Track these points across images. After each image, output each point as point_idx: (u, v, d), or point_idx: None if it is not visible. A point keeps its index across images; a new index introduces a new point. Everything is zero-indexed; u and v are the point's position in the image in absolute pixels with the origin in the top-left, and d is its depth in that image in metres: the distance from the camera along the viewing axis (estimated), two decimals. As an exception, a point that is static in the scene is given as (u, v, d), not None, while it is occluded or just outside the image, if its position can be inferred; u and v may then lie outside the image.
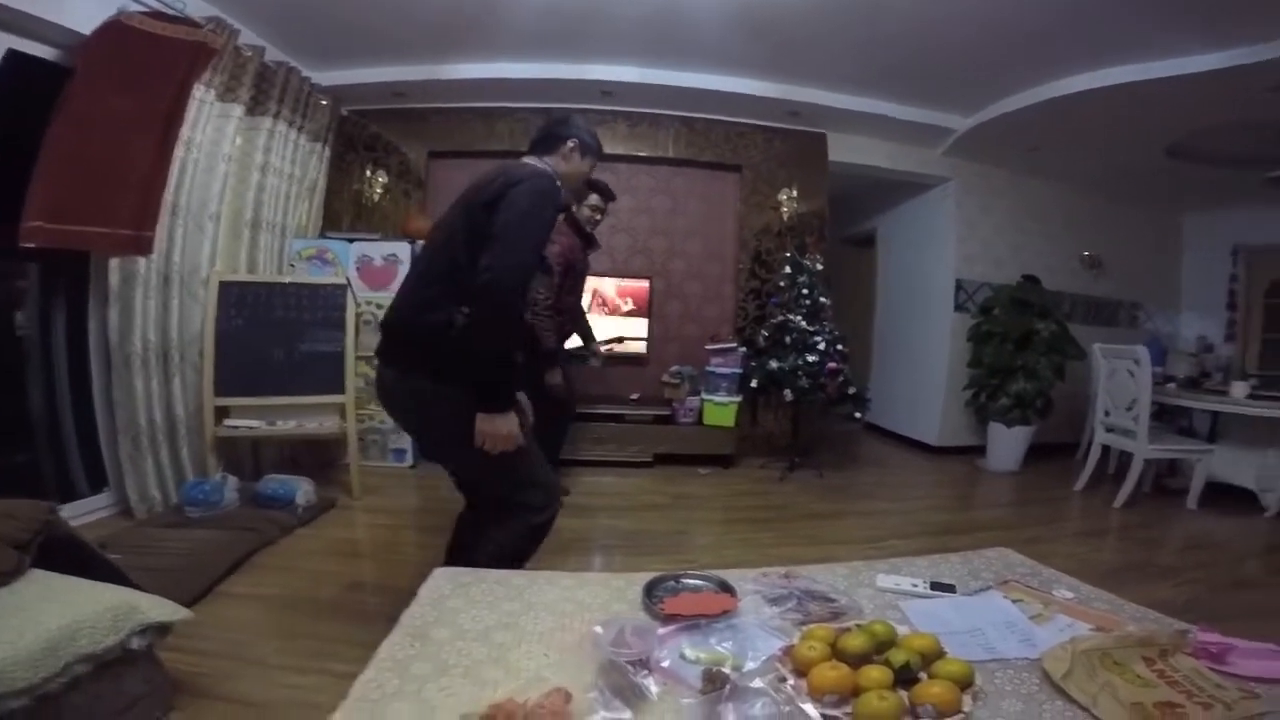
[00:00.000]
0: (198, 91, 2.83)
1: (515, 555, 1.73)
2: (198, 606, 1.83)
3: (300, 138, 3.60)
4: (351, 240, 3.64)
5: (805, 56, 3.50)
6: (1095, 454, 3.88)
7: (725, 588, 1.28)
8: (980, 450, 4.63)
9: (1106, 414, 3.80)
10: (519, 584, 1.30)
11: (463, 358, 1.49)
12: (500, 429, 1.51)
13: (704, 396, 4.03)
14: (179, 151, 2.78)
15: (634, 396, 4.21)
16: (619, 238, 4.42)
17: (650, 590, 1.27)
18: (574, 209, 2.96)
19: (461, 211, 1.57)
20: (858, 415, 4.07)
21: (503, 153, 4.19)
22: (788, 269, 4.04)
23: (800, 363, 3.78)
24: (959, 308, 4.79)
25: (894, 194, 5.28)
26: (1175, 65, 3.04)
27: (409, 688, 0.93)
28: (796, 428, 4.17)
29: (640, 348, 4.24)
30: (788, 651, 1.02)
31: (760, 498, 3.54)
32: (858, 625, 1.09)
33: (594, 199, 2.98)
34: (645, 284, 4.24)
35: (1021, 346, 4.32)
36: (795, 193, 4.38)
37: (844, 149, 4.48)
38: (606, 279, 4.20)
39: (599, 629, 0.97)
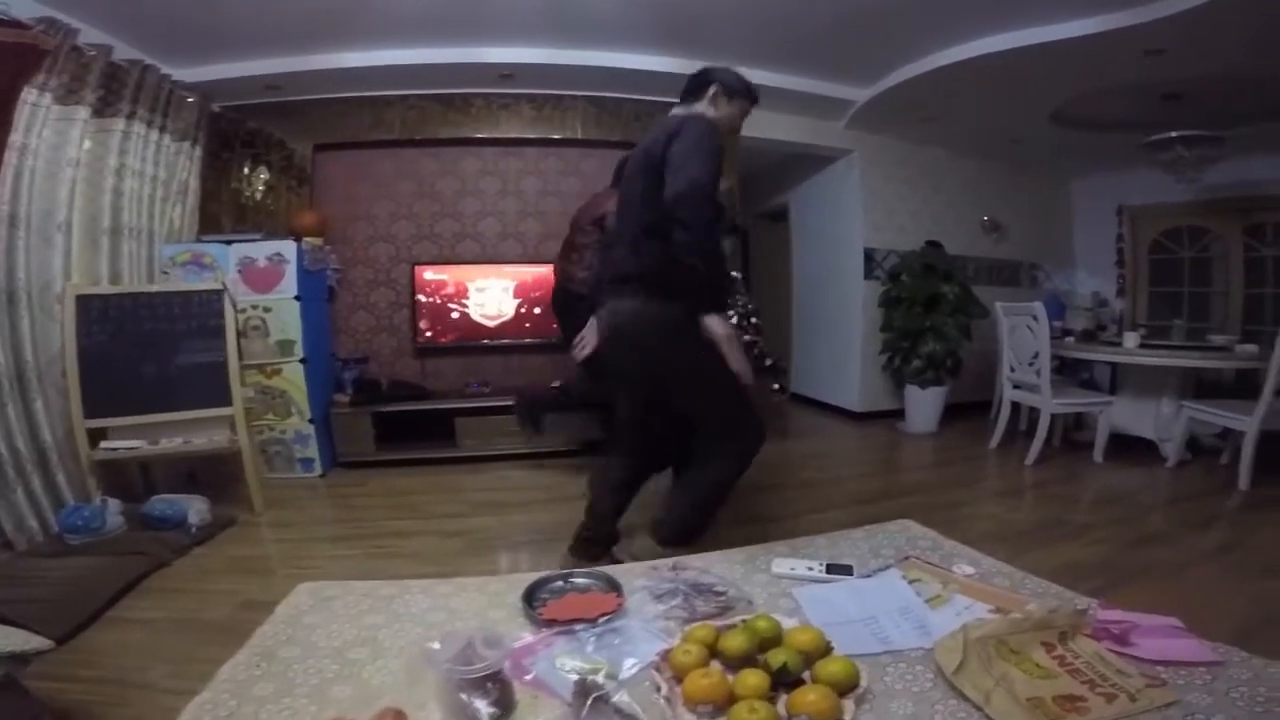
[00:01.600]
0: (29, 95, 2.54)
1: (723, 483, 1.89)
2: (85, 633, 1.82)
3: (164, 138, 3.30)
4: (230, 242, 3.35)
5: (709, 30, 3.42)
6: (1005, 411, 4.05)
7: (613, 586, 1.22)
8: (900, 414, 4.77)
9: (1012, 369, 3.96)
10: (387, 594, 1.23)
11: (694, 288, 1.68)
12: (729, 328, 1.72)
13: (625, 382, 3.95)
14: (10, 159, 2.50)
15: (556, 384, 4.10)
16: (528, 223, 4.27)
17: (533, 594, 1.21)
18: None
19: (642, 176, 1.74)
20: (776, 387, 4.09)
21: (395, 142, 4.00)
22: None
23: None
24: (869, 276, 4.89)
25: (802, 168, 5.31)
26: (1054, 30, 3.11)
27: (245, 709, 0.87)
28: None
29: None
30: (665, 656, 0.96)
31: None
32: (743, 621, 1.05)
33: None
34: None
35: (929, 309, 4.46)
36: (707, 169, 4.34)
37: (751, 124, 4.35)
38: (513, 267, 4.08)
39: (435, 644, 0.90)
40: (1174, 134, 3.77)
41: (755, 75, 3.88)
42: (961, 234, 5.14)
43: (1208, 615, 1.90)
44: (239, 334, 3.14)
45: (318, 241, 3.70)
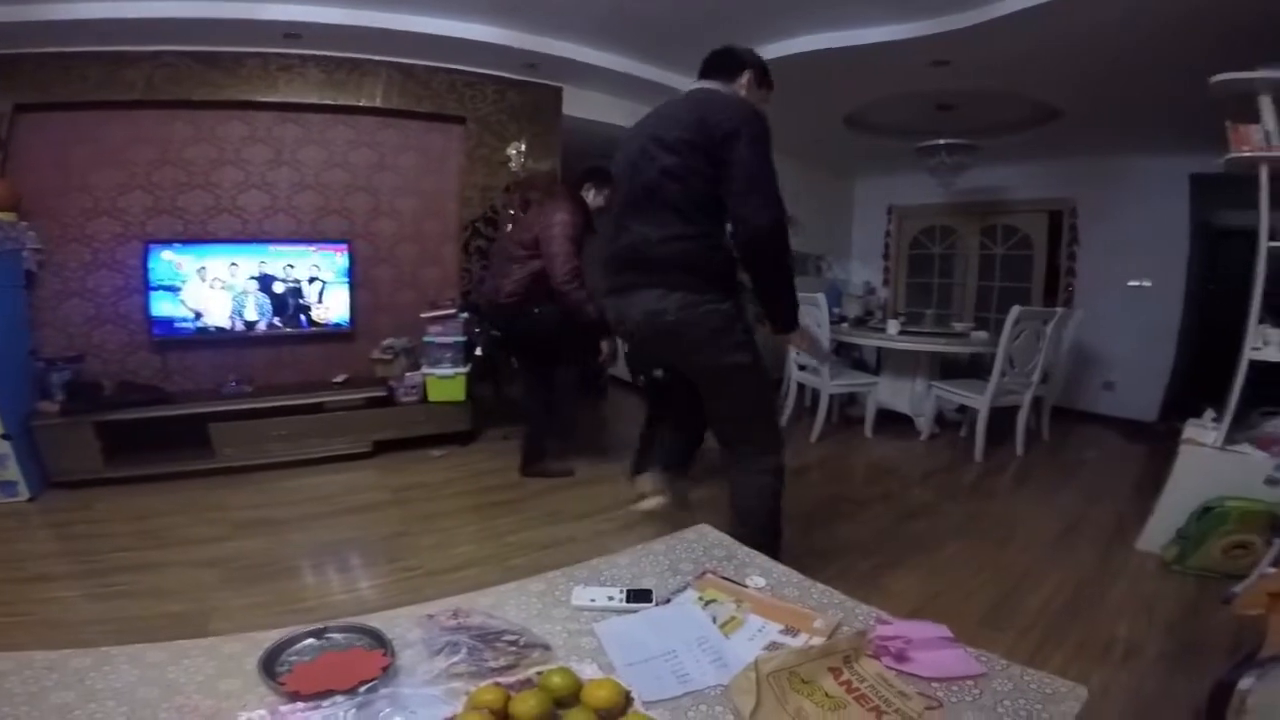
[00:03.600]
0: None
1: (774, 495, 1.88)
2: None
3: None
4: None
5: (549, 4, 3.22)
6: (793, 392, 4.39)
7: (379, 642, 1.00)
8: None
9: (796, 353, 4.29)
10: (79, 666, 0.92)
11: (728, 279, 1.74)
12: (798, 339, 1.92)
13: (425, 371, 3.60)
14: None
15: (339, 379, 3.61)
16: (305, 197, 3.70)
17: (273, 659, 0.95)
18: (587, 194, 2.96)
19: (677, 155, 1.66)
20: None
21: (133, 104, 3.21)
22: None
23: (479, 326, 3.61)
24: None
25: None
26: (859, 35, 3.32)
27: None
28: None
29: (342, 320, 3.67)
30: None
31: (501, 475, 3.29)
32: (538, 674, 0.91)
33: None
34: (343, 249, 3.62)
35: (731, 297, 4.68)
36: (524, 147, 4.08)
37: (579, 104, 4.31)
38: (284, 245, 3.51)
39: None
40: (941, 141, 4.30)
41: (595, 56, 3.83)
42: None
43: (964, 593, 2.19)
44: None
45: (8, 216, 2.87)
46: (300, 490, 3.05)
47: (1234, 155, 2.38)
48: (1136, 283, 4.78)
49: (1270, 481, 2.28)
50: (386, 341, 3.68)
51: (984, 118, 4.24)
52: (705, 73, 1.87)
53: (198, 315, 3.34)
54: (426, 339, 3.59)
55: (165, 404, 3.13)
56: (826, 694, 0.92)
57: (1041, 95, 3.81)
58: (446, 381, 3.60)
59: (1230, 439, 2.45)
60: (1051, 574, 2.37)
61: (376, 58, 3.67)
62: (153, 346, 3.35)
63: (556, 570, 1.31)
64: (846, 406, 4.66)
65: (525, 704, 0.83)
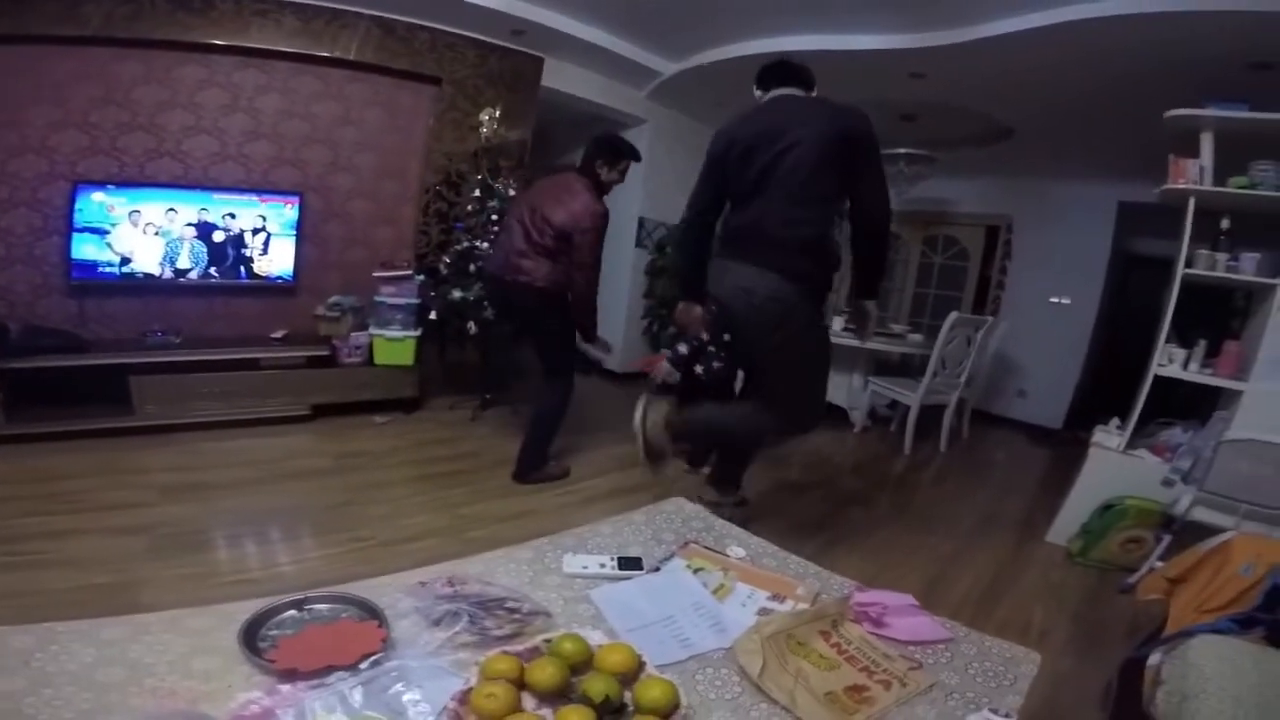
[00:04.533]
0: None
1: (759, 429, 2.24)
2: None
3: None
4: None
5: None
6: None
7: (370, 612, 0.94)
8: (653, 376, 5.03)
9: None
10: (21, 646, 0.79)
11: (829, 267, 2.00)
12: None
13: (373, 331, 3.46)
14: None
15: (278, 335, 3.42)
16: (258, 145, 3.48)
17: (252, 633, 0.87)
18: (600, 171, 2.72)
19: (826, 143, 1.88)
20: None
21: (81, 39, 2.94)
22: (477, 192, 3.66)
23: (485, 293, 3.50)
24: (639, 244, 5.02)
25: (593, 129, 5.16)
26: (841, 40, 3.42)
27: None
28: (487, 361, 3.90)
29: (285, 273, 3.48)
30: (464, 701, 0.77)
31: (450, 445, 3.25)
32: (546, 642, 0.90)
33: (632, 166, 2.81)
34: (294, 201, 3.43)
35: (688, 282, 4.75)
36: (498, 114, 3.96)
37: (558, 76, 4.26)
38: (229, 194, 3.29)
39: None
40: (902, 150, 4.46)
41: (580, 29, 3.79)
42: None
43: (899, 574, 2.35)
44: None
45: None
46: (232, 453, 2.87)
47: (1169, 187, 2.62)
48: (1057, 299, 5.16)
49: (1165, 483, 2.56)
50: (333, 299, 3.50)
51: (942, 130, 4.44)
52: (786, 80, 2.11)
53: (124, 260, 3.08)
54: (378, 299, 3.45)
55: (79, 352, 2.86)
56: (821, 655, 0.97)
57: (1001, 114, 4.02)
58: (395, 344, 3.47)
59: (1131, 444, 2.74)
60: (975, 560, 2.58)
61: (358, 10, 3.49)
62: (69, 291, 3.07)
63: (543, 538, 1.31)
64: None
65: (544, 671, 0.82)
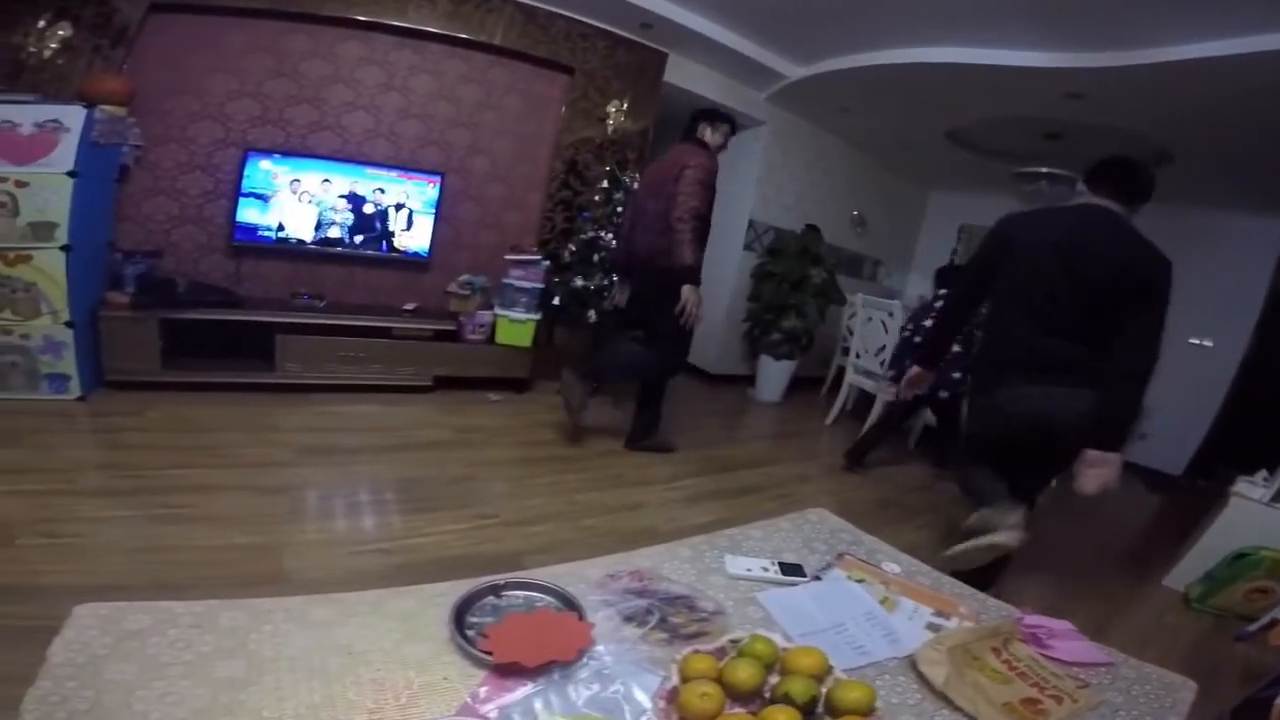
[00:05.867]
0: None
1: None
2: None
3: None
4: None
5: None
6: (845, 393, 4.40)
7: (567, 603, 0.94)
8: (750, 380, 5.00)
9: (858, 356, 4.30)
10: (231, 624, 0.77)
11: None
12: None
13: (498, 311, 3.61)
14: None
15: (409, 307, 3.62)
16: (408, 125, 3.68)
17: (460, 620, 0.86)
18: (704, 134, 2.94)
19: (1103, 290, 1.78)
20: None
21: (259, 12, 3.18)
22: (605, 183, 3.74)
23: (607, 282, 3.59)
24: (747, 246, 4.98)
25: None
26: (996, 55, 3.26)
27: None
28: (599, 349, 3.98)
29: (422, 249, 3.66)
30: (671, 699, 0.80)
31: (557, 429, 3.30)
32: (732, 642, 0.91)
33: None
34: (436, 180, 3.61)
35: (795, 288, 4.68)
36: (625, 106, 4.04)
37: (679, 73, 4.29)
38: (380, 170, 3.49)
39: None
40: (1044, 169, 4.21)
41: (708, 27, 3.81)
42: (832, 222, 5.41)
43: (1013, 604, 2.22)
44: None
45: (119, 111, 2.82)
46: (362, 418, 3.04)
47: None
48: (1198, 341, 4.75)
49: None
50: (464, 277, 3.68)
51: (1090, 151, 4.15)
52: (1101, 183, 1.92)
53: (280, 226, 3.34)
54: (506, 281, 3.59)
55: (236, 308, 3.11)
56: (994, 670, 0.98)
57: (1162, 140, 3.72)
58: (517, 325, 3.61)
59: (1278, 496, 2.58)
60: (1087, 596, 2.52)
61: (506, -5, 3.65)
62: (229, 251, 3.35)
63: (699, 536, 1.33)
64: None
65: (745, 671, 0.83)
